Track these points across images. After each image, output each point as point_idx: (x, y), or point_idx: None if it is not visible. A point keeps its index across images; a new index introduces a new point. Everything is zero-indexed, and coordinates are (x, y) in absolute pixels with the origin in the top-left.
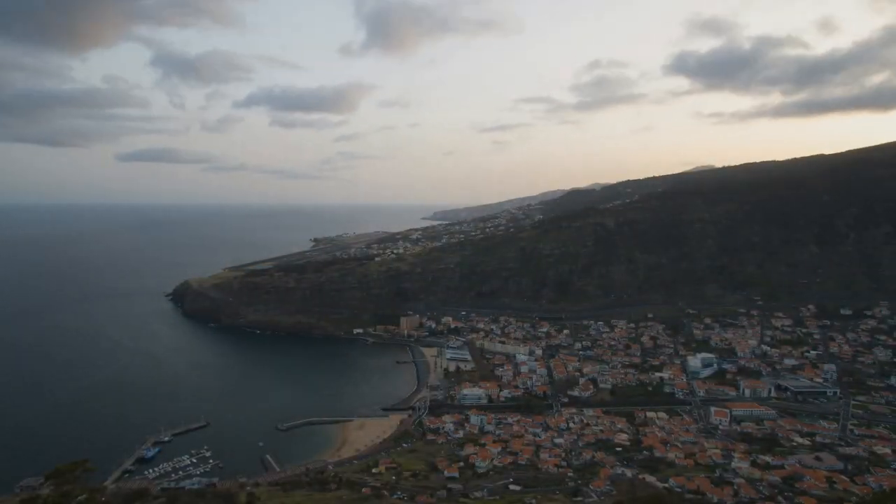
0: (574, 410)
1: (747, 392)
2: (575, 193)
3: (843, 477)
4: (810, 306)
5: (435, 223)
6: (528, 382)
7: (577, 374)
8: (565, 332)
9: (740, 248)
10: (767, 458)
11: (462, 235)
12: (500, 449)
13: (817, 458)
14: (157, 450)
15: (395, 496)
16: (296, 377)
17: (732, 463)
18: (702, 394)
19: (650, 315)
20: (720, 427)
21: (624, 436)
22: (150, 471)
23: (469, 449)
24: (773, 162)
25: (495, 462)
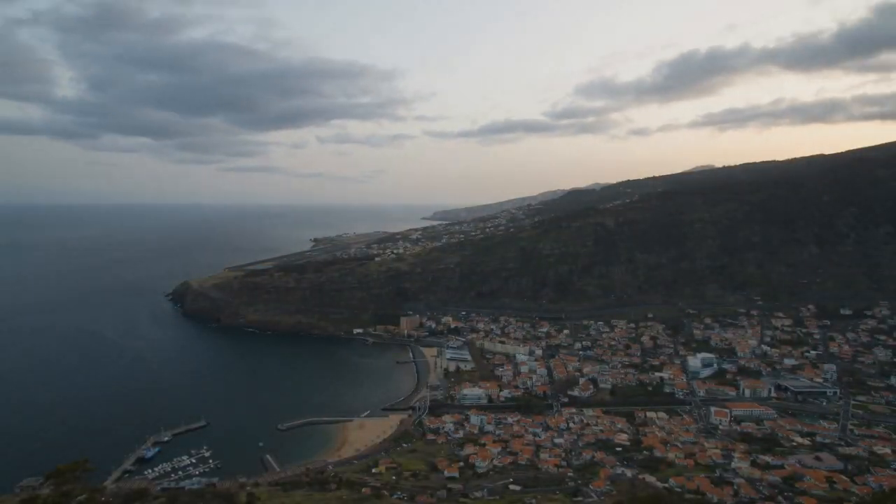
0: (574, 410)
1: (747, 392)
2: (575, 193)
3: (843, 477)
4: (810, 306)
5: (435, 223)
6: (528, 382)
7: (577, 374)
8: (565, 332)
9: (740, 248)
10: (767, 458)
11: (462, 235)
12: (500, 449)
13: (817, 458)
14: (157, 450)
15: (395, 496)
16: (296, 377)
17: (732, 463)
18: (702, 394)
19: (650, 315)
20: (720, 427)
21: (624, 436)
22: (150, 471)
23: (469, 449)
24: (773, 162)
25: (495, 462)
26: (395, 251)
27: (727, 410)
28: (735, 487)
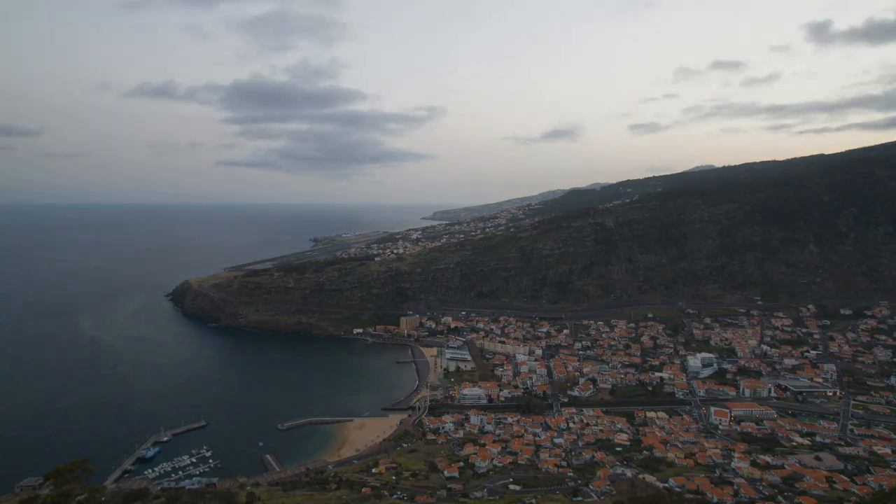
0: (574, 410)
1: (747, 392)
2: (575, 193)
3: (843, 477)
4: (810, 306)
5: (435, 223)
6: (528, 382)
7: (577, 373)
8: (565, 332)
9: (740, 248)
10: (767, 458)
11: (462, 235)
12: (500, 449)
13: (817, 458)
14: (157, 450)
15: (395, 496)
16: (296, 377)
17: (732, 463)
18: (702, 394)
19: (650, 315)
20: (720, 427)
21: (624, 436)
22: (150, 471)
23: (469, 449)
24: (773, 162)
25: (495, 462)
26: (395, 251)
27: (727, 410)
28: (735, 487)
